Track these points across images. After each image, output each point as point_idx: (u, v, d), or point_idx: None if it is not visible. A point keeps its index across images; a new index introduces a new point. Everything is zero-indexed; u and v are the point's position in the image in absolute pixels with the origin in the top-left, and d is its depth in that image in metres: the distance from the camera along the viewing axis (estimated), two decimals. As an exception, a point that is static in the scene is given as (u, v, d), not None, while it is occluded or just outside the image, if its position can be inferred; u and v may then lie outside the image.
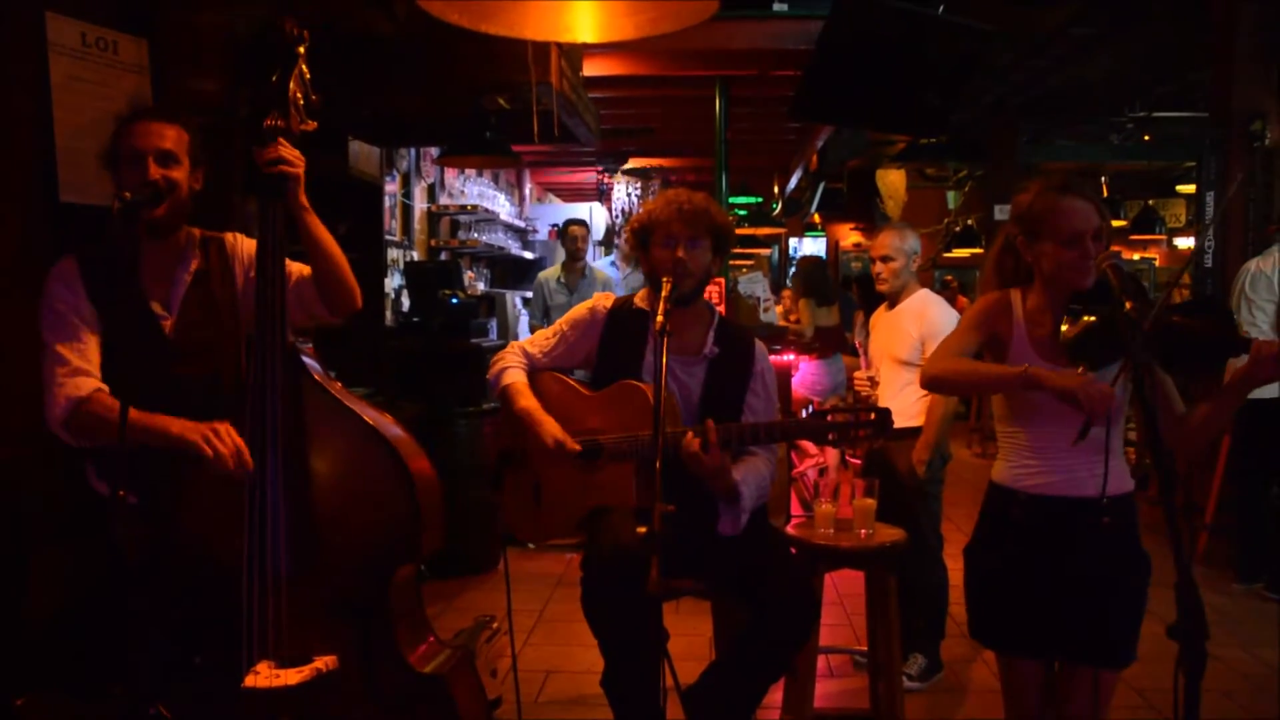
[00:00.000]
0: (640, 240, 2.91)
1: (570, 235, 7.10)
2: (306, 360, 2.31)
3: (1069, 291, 2.31)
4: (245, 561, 2.13)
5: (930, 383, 2.47)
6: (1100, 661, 2.33)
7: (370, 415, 2.29)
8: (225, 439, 2.16)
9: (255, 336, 2.22)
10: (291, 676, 2.09)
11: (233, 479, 2.16)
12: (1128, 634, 2.34)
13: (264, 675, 2.08)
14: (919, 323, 3.96)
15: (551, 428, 2.81)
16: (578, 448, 2.78)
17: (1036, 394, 2.28)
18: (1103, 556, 2.32)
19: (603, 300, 3.04)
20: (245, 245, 2.58)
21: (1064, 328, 2.24)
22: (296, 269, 2.52)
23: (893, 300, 4.14)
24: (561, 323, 3.05)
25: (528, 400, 2.89)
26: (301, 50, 2.37)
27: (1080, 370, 2.20)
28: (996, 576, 2.44)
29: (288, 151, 2.30)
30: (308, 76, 2.38)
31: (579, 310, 3.04)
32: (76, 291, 2.39)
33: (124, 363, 2.36)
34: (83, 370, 2.33)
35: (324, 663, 2.15)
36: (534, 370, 3.01)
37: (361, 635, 2.22)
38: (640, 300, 2.99)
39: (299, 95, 2.35)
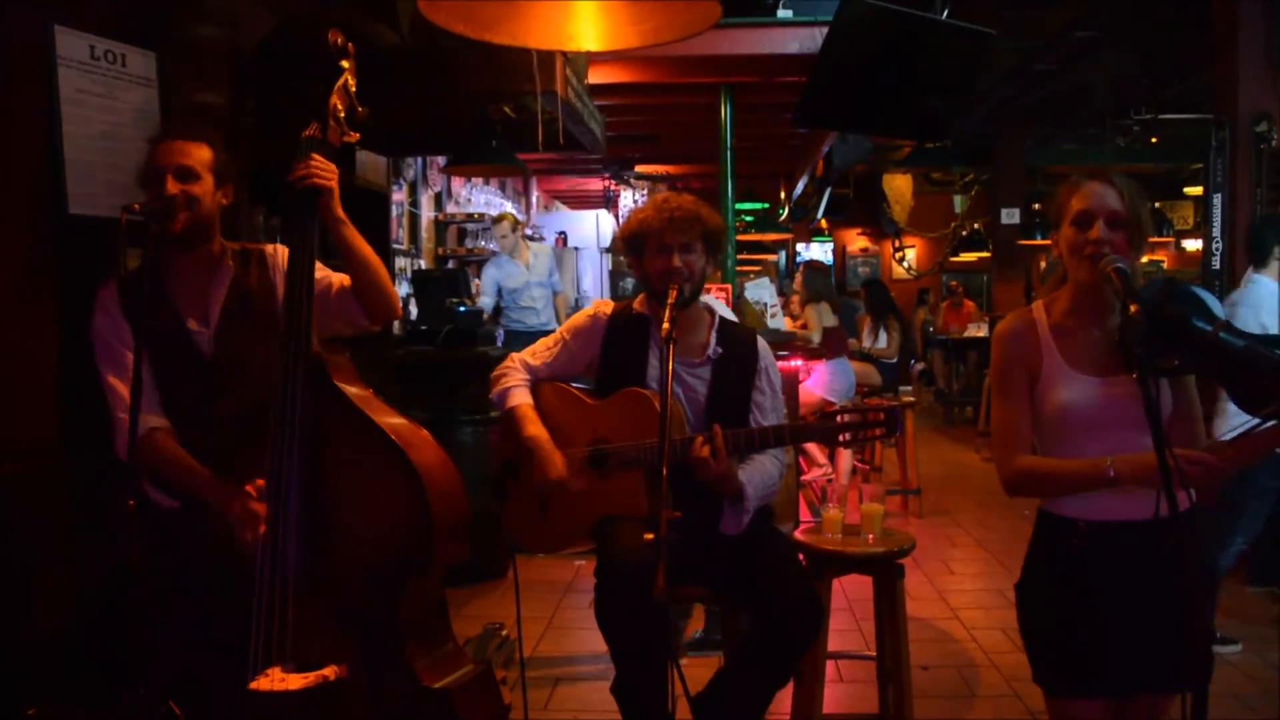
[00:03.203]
0: (632, 248, 2.91)
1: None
2: (336, 370, 2.31)
3: (1089, 285, 2.20)
4: (258, 567, 2.15)
5: (1012, 492, 2.30)
6: (1187, 684, 2.06)
7: (396, 427, 2.26)
8: (252, 513, 2.21)
9: (280, 348, 2.23)
10: (295, 682, 2.10)
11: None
12: (1209, 647, 2.21)
13: (270, 680, 2.10)
14: None
15: (555, 464, 2.80)
16: (580, 486, 2.80)
17: (1066, 420, 2.21)
18: (1175, 575, 2.10)
19: (602, 307, 3.04)
20: (285, 256, 2.56)
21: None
22: (338, 279, 2.54)
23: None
24: (562, 331, 3.05)
25: (535, 428, 2.87)
26: (346, 64, 2.38)
27: (1134, 377, 2.05)
28: (1065, 614, 2.25)
29: (319, 165, 2.31)
30: (353, 89, 2.39)
31: (579, 318, 3.05)
32: (115, 315, 2.42)
33: (163, 379, 2.39)
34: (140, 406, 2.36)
35: (330, 671, 2.15)
36: (536, 382, 3.01)
37: (370, 646, 2.22)
38: (639, 305, 2.99)
39: (340, 107, 2.36)
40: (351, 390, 2.31)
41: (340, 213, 2.39)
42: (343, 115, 2.38)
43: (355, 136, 2.42)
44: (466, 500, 2.33)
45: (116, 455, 2.41)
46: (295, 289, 2.26)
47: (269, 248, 2.62)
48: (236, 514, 2.22)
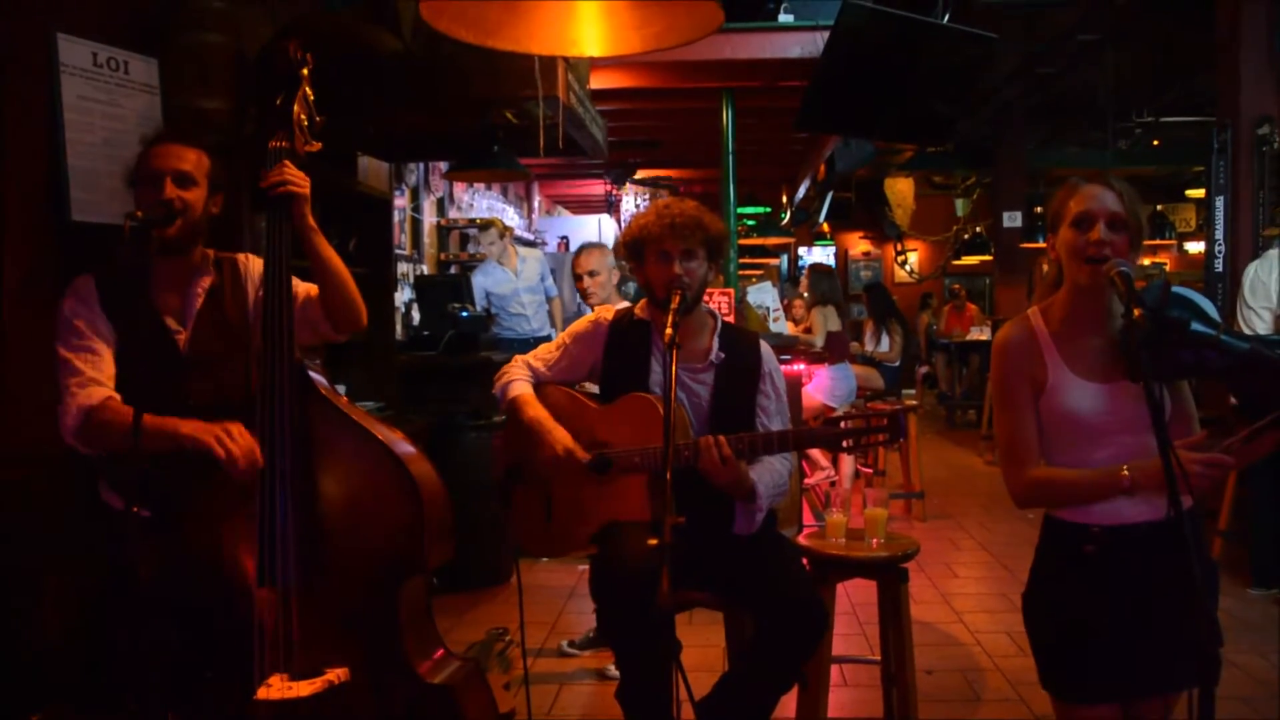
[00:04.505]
0: (633, 254, 2.91)
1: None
2: (313, 375, 2.33)
3: (1089, 289, 2.20)
4: (255, 574, 2.15)
5: (1024, 505, 2.28)
6: (1200, 681, 1.93)
7: (377, 430, 2.30)
8: (238, 438, 2.19)
9: (263, 352, 2.24)
10: (304, 688, 2.11)
11: (244, 480, 2.18)
12: (1219, 644, 2.21)
13: (276, 688, 2.10)
14: None
15: (561, 435, 2.82)
16: (587, 456, 2.79)
17: (1072, 427, 2.20)
18: (1182, 576, 1.97)
19: (604, 312, 3.05)
20: (256, 264, 2.63)
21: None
22: (304, 289, 2.56)
23: None
24: (564, 336, 3.06)
25: (536, 409, 2.89)
26: (305, 73, 2.41)
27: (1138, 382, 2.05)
28: (1077, 620, 2.23)
29: (291, 173, 2.34)
30: (312, 99, 2.43)
31: (581, 323, 3.05)
32: (92, 307, 2.43)
33: (138, 376, 2.38)
34: (95, 380, 2.37)
35: (335, 675, 2.16)
36: (539, 384, 3.01)
37: (371, 647, 2.23)
38: (641, 311, 2.99)
39: (303, 117, 2.40)
40: (331, 393, 2.34)
41: (312, 221, 2.41)
42: (305, 125, 2.41)
43: (317, 146, 2.45)
44: (449, 497, 2.36)
45: (64, 439, 2.38)
46: (273, 293, 2.28)
47: (240, 256, 2.65)
48: (223, 451, 2.19)
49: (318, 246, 2.44)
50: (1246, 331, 5.03)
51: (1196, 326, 2.10)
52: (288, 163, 2.35)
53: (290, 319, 2.28)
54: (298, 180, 2.35)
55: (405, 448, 2.30)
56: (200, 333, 2.51)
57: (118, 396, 2.37)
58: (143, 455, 2.24)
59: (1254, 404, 2.11)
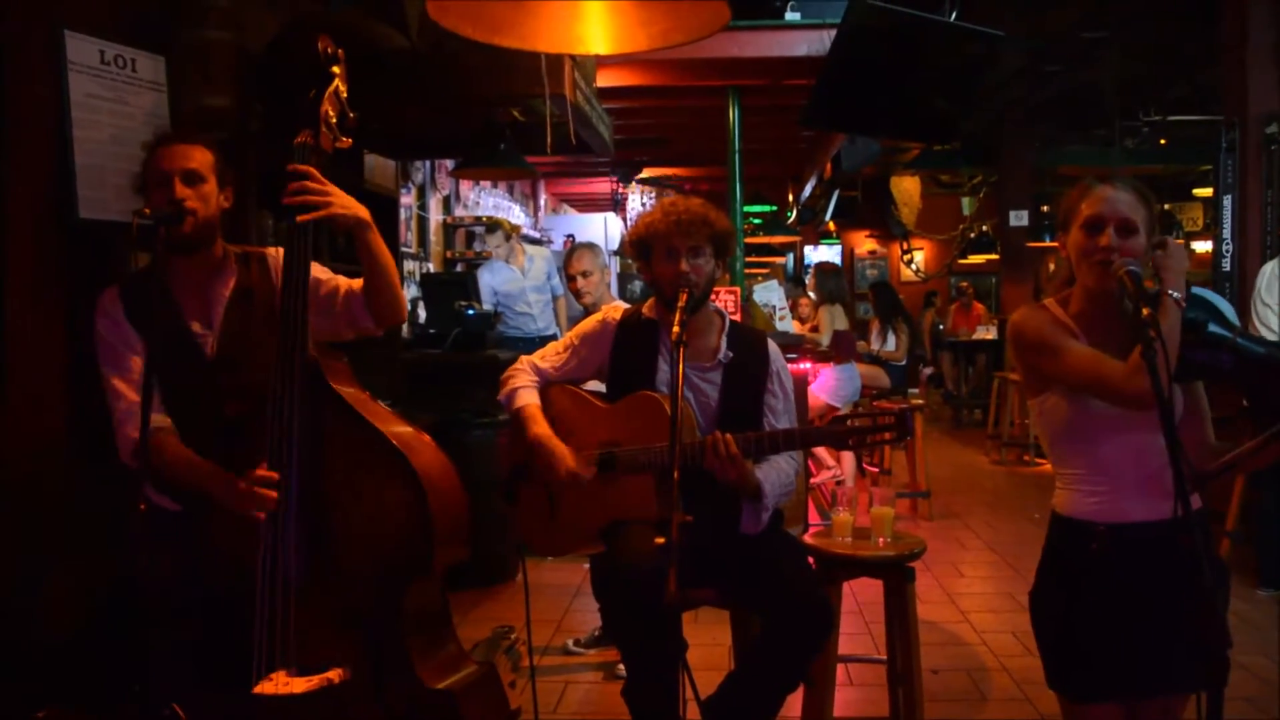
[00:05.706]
0: (640, 252, 2.90)
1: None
2: (331, 374, 2.32)
3: (1099, 292, 2.19)
4: (260, 570, 2.15)
5: (1135, 382, 2.02)
6: (1204, 684, 1.94)
7: (395, 431, 2.27)
8: (257, 492, 2.19)
9: (277, 350, 2.23)
10: (300, 685, 2.10)
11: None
12: (1227, 646, 2.19)
13: (275, 683, 2.10)
14: None
15: (564, 458, 2.80)
16: (591, 474, 2.78)
17: (1083, 420, 2.19)
18: (1189, 577, 1.95)
19: (612, 312, 3.04)
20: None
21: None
22: (345, 283, 2.55)
23: (591, 312, 4.35)
24: (571, 336, 3.05)
25: (540, 427, 2.87)
26: (337, 69, 2.39)
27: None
28: (1084, 619, 2.22)
29: (313, 187, 2.28)
30: (344, 95, 2.40)
31: (589, 323, 3.04)
32: (118, 319, 2.42)
33: (166, 380, 2.38)
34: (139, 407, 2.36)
35: (335, 674, 2.15)
36: (546, 385, 3.01)
37: (373, 648, 2.23)
38: (649, 310, 2.98)
39: (332, 113, 2.37)
40: (348, 393, 2.32)
41: (367, 217, 2.37)
42: (334, 121, 2.38)
43: (348, 142, 2.42)
44: (466, 502, 2.34)
45: (119, 459, 2.41)
46: (290, 293, 2.27)
47: (270, 251, 2.62)
48: (242, 491, 2.19)
49: (370, 243, 2.40)
50: (1261, 329, 5.00)
51: (1213, 328, 2.08)
52: (314, 173, 2.29)
53: (305, 317, 2.26)
54: (318, 197, 2.27)
55: (422, 451, 2.27)
56: (228, 335, 2.48)
57: (167, 422, 2.38)
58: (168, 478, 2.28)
59: (1267, 409, 2.09)
